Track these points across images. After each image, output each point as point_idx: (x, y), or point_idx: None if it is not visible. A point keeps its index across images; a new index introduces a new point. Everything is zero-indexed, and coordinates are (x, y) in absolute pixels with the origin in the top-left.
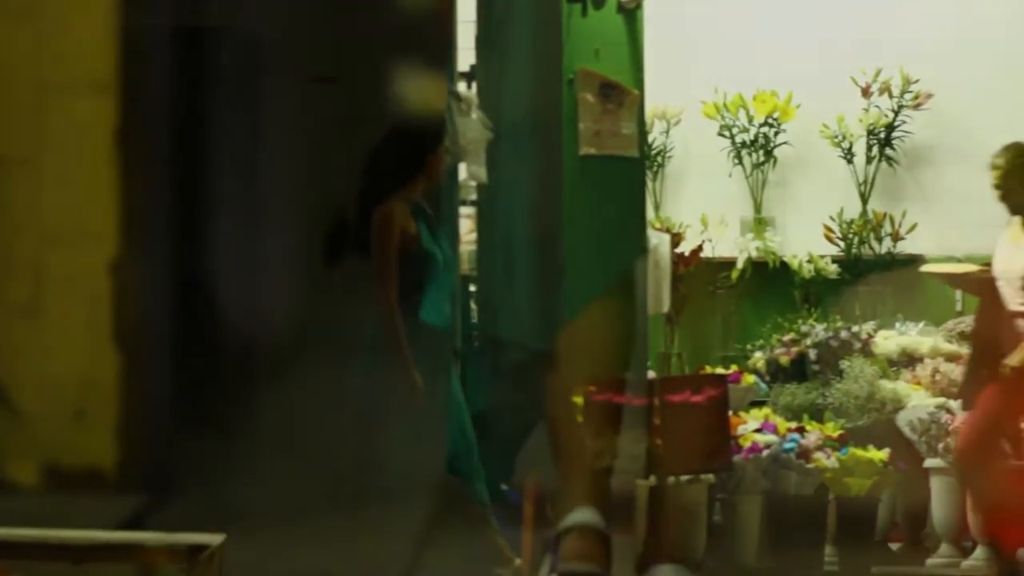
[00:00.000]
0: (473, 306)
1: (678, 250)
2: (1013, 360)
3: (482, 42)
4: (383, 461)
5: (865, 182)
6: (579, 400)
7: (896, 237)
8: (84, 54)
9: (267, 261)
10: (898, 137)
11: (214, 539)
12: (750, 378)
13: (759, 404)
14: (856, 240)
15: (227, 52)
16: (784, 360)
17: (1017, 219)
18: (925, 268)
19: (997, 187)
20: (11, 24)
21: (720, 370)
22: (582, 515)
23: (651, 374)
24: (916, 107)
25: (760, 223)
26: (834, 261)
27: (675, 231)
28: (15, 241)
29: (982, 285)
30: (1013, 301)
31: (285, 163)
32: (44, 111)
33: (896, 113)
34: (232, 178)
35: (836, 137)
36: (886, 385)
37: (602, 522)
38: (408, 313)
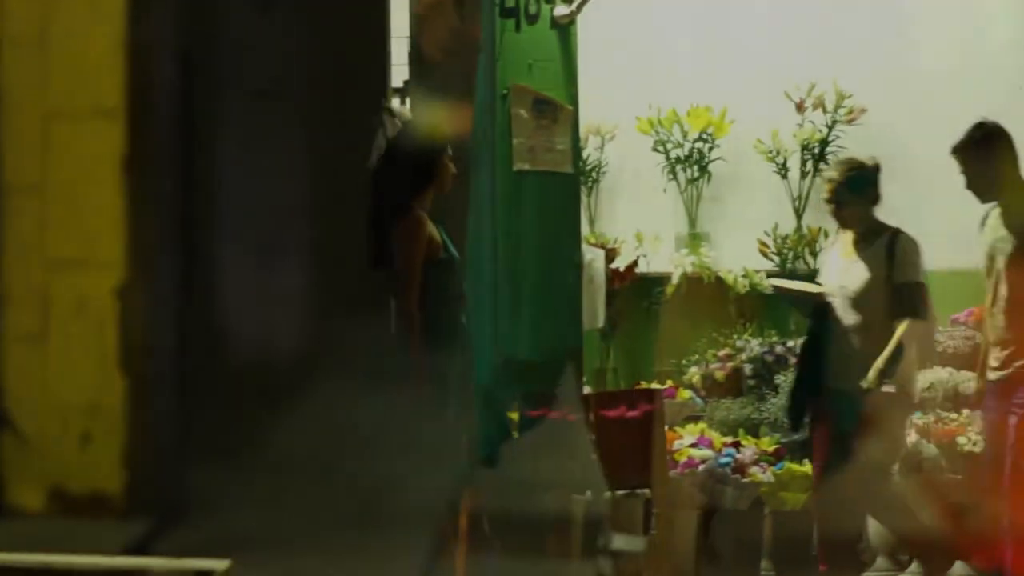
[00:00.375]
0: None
1: (613, 266)
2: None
3: (415, 58)
4: (396, 486)
5: (799, 197)
6: (514, 416)
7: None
8: (92, 80)
9: (276, 286)
10: (832, 152)
11: (220, 564)
12: (685, 393)
13: (695, 419)
14: (791, 255)
15: (236, 78)
16: (719, 375)
17: (849, 234)
18: (772, 281)
19: (829, 201)
20: (18, 50)
21: (655, 385)
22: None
23: (586, 389)
24: (850, 122)
25: (695, 238)
26: (769, 276)
27: (610, 246)
28: (21, 267)
29: (816, 304)
30: (848, 317)
31: (295, 188)
32: (51, 137)
33: (830, 128)
34: (241, 203)
35: (770, 152)
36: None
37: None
38: (437, 321)
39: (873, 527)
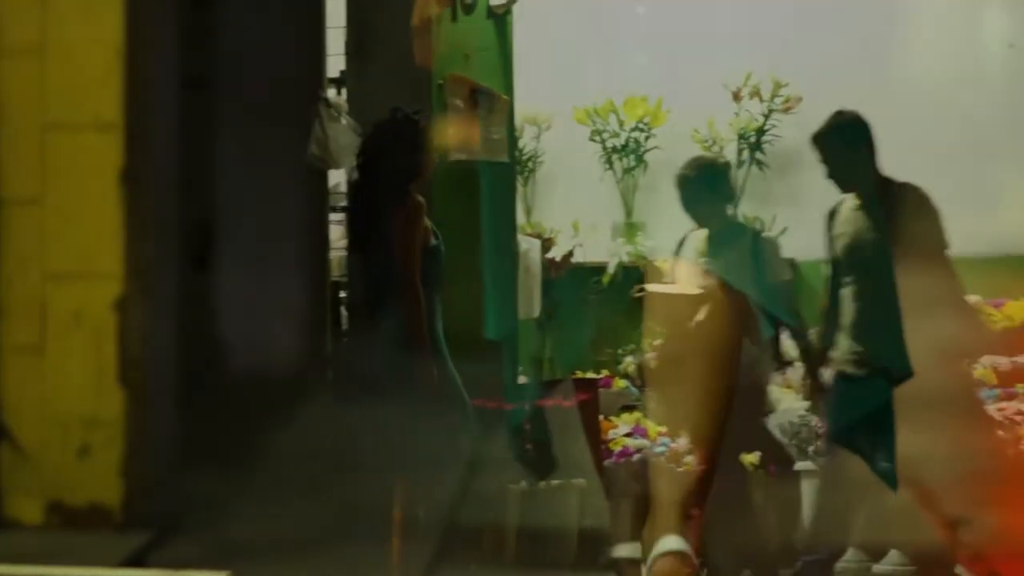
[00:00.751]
0: (344, 312)
1: (549, 255)
2: None
3: (352, 48)
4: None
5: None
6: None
7: None
8: (90, 93)
9: (274, 297)
10: (768, 141)
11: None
12: (621, 382)
13: (630, 408)
14: None
15: (234, 91)
16: (655, 364)
17: (703, 232)
18: (648, 287)
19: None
20: (16, 63)
21: (591, 375)
22: (673, 542)
23: (522, 379)
24: (786, 111)
25: (631, 228)
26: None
27: (546, 236)
28: (20, 279)
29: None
30: None
31: (293, 200)
32: (49, 150)
33: (766, 117)
34: (239, 215)
35: (707, 142)
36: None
37: (690, 549)
38: (430, 305)
39: (808, 516)
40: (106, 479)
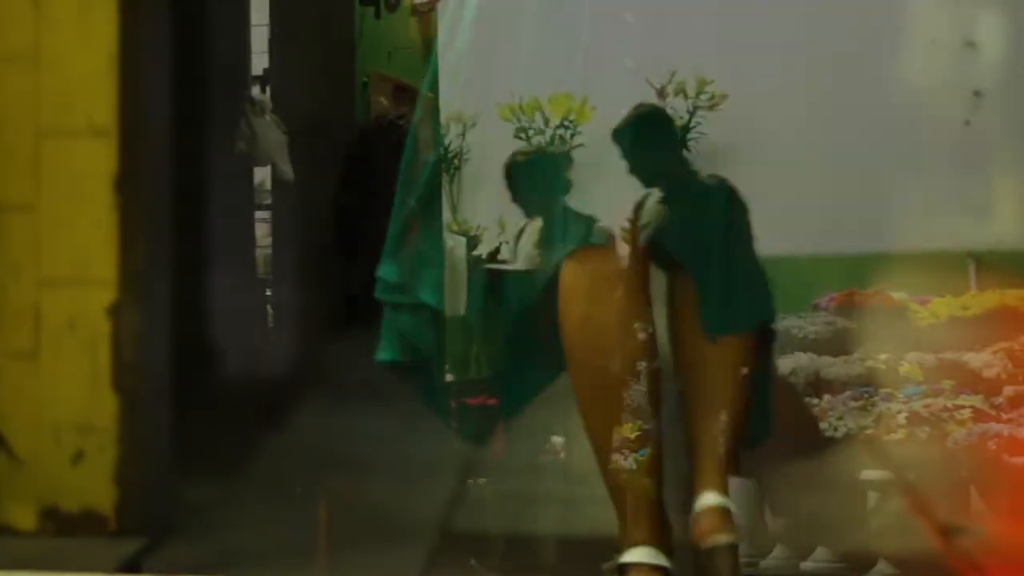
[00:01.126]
0: (269, 311)
1: (475, 253)
2: None
3: (275, 45)
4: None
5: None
6: None
7: None
8: (84, 99)
9: (268, 303)
10: (694, 138)
11: None
12: None
13: None
14: None
15: (228, 95)
16: None
17: (538, 221)
18: (488, 267)
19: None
20: (10, 68)
21: None
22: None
23: (448, 377)
24: (711, 108)
25: None
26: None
27: (472, 233)
28: (13, 286)
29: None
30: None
31: (287, 206)
32: (43, 155)
33: (691, 115)
34: (234, 221)
35: None
36: None
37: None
38: None
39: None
40: (100, 485)
